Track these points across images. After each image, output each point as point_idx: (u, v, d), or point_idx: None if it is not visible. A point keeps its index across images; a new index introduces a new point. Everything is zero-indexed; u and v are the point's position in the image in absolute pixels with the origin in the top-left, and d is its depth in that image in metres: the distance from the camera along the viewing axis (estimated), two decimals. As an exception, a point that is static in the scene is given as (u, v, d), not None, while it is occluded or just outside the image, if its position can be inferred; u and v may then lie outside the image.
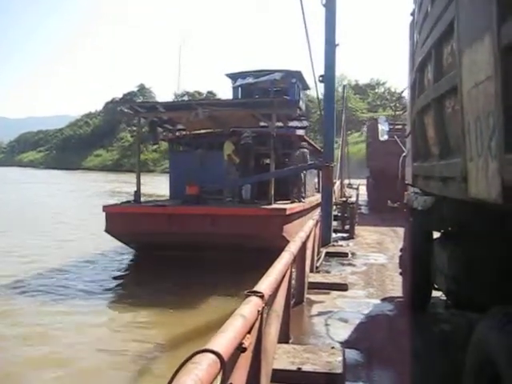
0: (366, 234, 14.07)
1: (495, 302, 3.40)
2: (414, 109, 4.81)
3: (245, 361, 3.10)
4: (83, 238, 16.13)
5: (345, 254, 10.69)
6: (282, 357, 4.71)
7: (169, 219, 11.16)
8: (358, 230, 14.21)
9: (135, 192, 13.40)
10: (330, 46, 11.18)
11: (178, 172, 14.42)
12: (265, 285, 3.82)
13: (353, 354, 5.12)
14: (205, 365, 2.28)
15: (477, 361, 2.76)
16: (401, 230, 14.44)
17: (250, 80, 17.12)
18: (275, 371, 4.24)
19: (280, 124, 13.56)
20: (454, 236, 4.69)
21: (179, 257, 10.78)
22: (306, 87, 19.94)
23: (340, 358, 4.76)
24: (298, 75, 17.42)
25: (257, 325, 3.35)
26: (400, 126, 17.68)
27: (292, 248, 5.54)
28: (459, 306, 4.76)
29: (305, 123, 15.74)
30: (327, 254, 10.47)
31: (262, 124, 13.61)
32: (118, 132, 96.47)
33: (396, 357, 5.22)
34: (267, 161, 14.08)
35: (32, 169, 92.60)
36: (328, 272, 9.06)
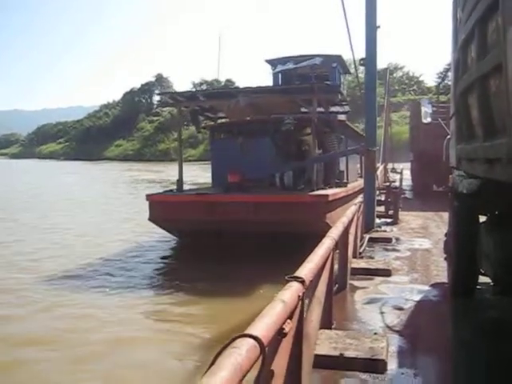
0: (410, 218, 13.84)
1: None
2: (457, 89, 4.67)
3: (286, 346, 3.10)
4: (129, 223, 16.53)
5: (388, 240, 10.54)
6: (324, 342, 4.69)
7: (211, 207, 11.23)
8: (402, 214, 13.98)
9: (177, 181, 13.53)
10: (371, 28, 10.96)
11: (220, 160, 14.47)
12: (305, 270, 3.80)
13: (396, 340, 5.06)
14: (244, 349, 2.29)
15: None
16: (446, 215, 14.17)
17: (290, 66, 16.96)
18: (317, 357, 4.23)
19: (321, 109, 13.43)
20: (502, 220, 4.56)
21: (222, 244, 10.84)
22: (347, 71, 19.65)
23: (383, 344, 4.71)
24: (338, 59, 17.17)
25: (298, 310, 3.34)
26: (443, 109, 17.27)
27: (333, 233, 5.50)
28: (507, 291, 4.65)
29: (346, 108, 15.50)
30: (370, 239, 10.34)
31: (303, 110, 13.49)
32: (137, 122, 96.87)
33: (440, 343, 5.14)
34: (305, 147, 13.97)
35: (53, 160, 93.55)
36: (371, 258, 8.97)
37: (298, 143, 13.80)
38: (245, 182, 12.31)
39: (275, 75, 17.62)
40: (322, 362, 4.29)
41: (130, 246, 13.36)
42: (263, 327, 2.65)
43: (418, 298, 6.59)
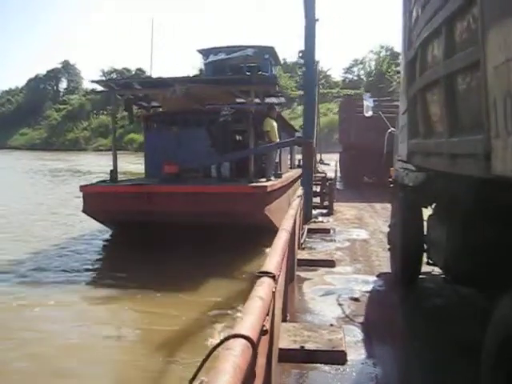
0: (344, 209, 14.14)
1: (496, 278, 3.45)
2: (413, 86, 4.78)
3: (264, 343, 3.08)
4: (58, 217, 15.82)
5: (327, 230, 10.73)
6: (283, 335, 4.70)
7: (148, 198, 10.97)
8: (336, 205, 14.26)
9: (111, 171, 13.13)
10: (310, 21, 11.06)
11: (154, 150, 14.15)
12: (273, 265, 3.78)
13: (350, 331, 5.16)
14: (239, 350, 2.25)
15: (499, 339, 2.77)
16: (378, 206, 14.68)
17: (222, 56, 16.83)
18: (279, 350, 4.24)
19: (257, 101, 13.42)
20: (452, 211, 4.72)
21: (159, 237, 10.57)
22: (278, 63, 19.76)
23: (340, 336, 4.78)
24: (270, 51, 17.21)
25: (271, 306, 3.33)
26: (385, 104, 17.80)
27: (287, 226, 5.51)
28: (458, 281, 4.82)
29: (282, 99, 15.62)
30: (309, 230, 10.48)
31: (238, 101, 13.44)
32: (43, 110, 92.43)
33: (393, 332, 5.29)
34: (242, 138, 13.96)
35: None
36: (313, 248, 9.08)
37: (235, 134, 13.76)
38: (182, 173, 12.13)
39: (207, 65, 17.42)
40: (283, 355, 4.29)
41: (58, 240, 12.63)
42: (250, 326, 2.60)
43: (364, 288, 6.74)
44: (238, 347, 2.28)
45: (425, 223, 6.29)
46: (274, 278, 3.48)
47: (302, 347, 4.52)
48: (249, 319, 2.67)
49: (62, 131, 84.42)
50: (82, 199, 11.73)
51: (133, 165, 27.52)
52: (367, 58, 74.17)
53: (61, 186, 25.96)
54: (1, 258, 10.43)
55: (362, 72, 76.75)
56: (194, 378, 2.64)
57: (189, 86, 12.16)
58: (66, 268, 9.88)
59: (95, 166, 38.16)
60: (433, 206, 5.81)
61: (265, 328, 2.94)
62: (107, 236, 12.91)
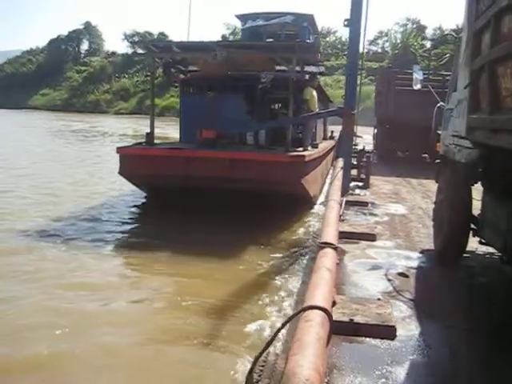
0: (379, 183, 13.95)
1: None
2: (479, 59, 4.60)
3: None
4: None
5: (365, 204, 10.61)
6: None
7: (186, 162, 10.93)
8: (371, 179, 14.07)
9: (147, 134, 13.10)
10: (358, -12, 10.76)
11: (190, 115, 14.07)
12: (332, 236, 3.75)
13: (396, 306, 5.11)
14: (319, 322, 2.22)
15: None
16: (414, 181, 14.50)
17: (260, 22, 16.53)
18: (329, 322, 4.21)
19: (297, 68, 13.20)
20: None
21: (194, 202, 10.51)
22: (316, 32, 19.36)
23: (389, 310, 4.71)
24: (309, 19, 16.82)
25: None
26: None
27: (336, 197, 5.48)
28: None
29: (321, 68, 15.32)
30: (347, 202, 10.37)
31: (278, 68, 13.24)
32: (64, 71, 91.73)
33: (440, 309, 5.23)
34: (280, 105, 13.79)
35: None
36: (352, 221, 9.00)
37: (274, 101, 13.61)
38: (220, 139, 12.05)
39: (244, 31, 17.16)
40: (334, 327, 4.26)
41: (94, 202, 12.35)
42: (323, 298, 2.57)
43: (407, 263, 6.67)
44: (317, 318, 2.24)
45: (473, 201, 6.21)
46: (336, 249, 3.44)
47: (351, 320, 4.47)
48: (321, 291, 2.63)
49: (83, 93, 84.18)
50: (118, 161, 11.72)
51: (156, 129, 26.78)
52: (392, 31, 72.98)
53: (92, 146, 26.11)
54: (34, 218, 10.34)
55: (386, 44, 75.52)
56: (266, 347, 2.62)
57: (230, 51, 12.00)
58: (102, 230, 9.67)
59: (117, 128, 38.71)
60: (484, 184, 5.67)
61: (333, 299, 2.91)
62: (142, 200, 12.85)
